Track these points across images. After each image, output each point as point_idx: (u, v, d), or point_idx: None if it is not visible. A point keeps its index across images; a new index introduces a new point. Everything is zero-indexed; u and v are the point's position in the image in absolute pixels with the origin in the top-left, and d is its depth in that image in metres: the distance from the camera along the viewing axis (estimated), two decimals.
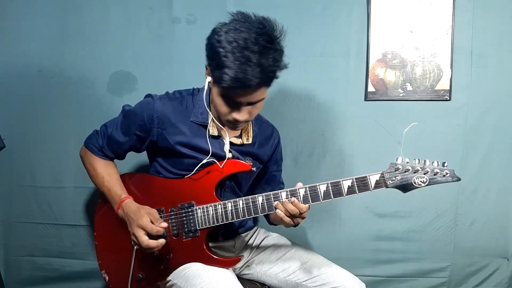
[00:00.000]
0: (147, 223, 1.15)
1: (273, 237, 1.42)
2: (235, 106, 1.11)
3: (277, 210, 1.13)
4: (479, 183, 1.72)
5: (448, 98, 1.66)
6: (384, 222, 1.75)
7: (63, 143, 1.70)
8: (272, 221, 1.41)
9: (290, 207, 1.11)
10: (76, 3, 1.66)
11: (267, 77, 1.06)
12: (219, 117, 1.19)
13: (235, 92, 1.06)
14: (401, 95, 1.68)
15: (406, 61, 1.66)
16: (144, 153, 1.33)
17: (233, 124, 1.17)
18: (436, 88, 1.66)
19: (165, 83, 1.65)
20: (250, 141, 1.29)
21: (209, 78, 1.13)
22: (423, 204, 1.73)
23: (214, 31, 1.08)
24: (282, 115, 1.69)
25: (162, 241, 1.16)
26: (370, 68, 1.66)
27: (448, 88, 1.66)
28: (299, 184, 1.16)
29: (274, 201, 1.16)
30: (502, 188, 1.73)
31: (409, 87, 1.67)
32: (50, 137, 1.72)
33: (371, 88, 1.67)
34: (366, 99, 1.68)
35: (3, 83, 1.70)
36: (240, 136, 1.28)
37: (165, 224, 1.17)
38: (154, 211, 1.19)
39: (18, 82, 1.70)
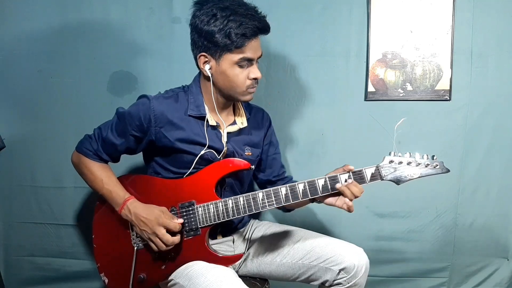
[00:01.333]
0: (169, 221, 1.16)
1: (263, 225, 1.43)
2: (249, 65, 1.19)
3: (343, 193, 1.14)
4: (479, 183, 1.72)
5: (448, 98, 1.66)
6: (384, 222, 1.75)
7: (63, 143, 1.70)
8: (290, 208, 1.42)
9: (355, 189, 1.13)
10: (76, 3, 1.65)
11: (265, 21, 1.18)
12: (226, 99, 1.25)
13: (249, 46, 1.15)
14: (401, 95, 1.68)
15: (406, 61, 1.66)
16: (139, 155, 1.33)
17: (252, 88, 1.22)
18: (436, 88, 1.66)
19: (165, 83, 1.64)
20: (245, 124, 1.31)
21: (208, 66, 1.19)
22: (423, 204, 1.73)
23: (200, 17, 1.15)
24: (282, 115, 1.69)
25: (179, 235, 1.18)
26: (370, 68, 1.66)
27: (448, 88, 1.66)
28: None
29: (275, 197, 1.17)
30: (502, 188, 1.73)
31: (409, 87, 1.67)
32: (50, 137, 1.72)
33: (371, 88, 1.67)
34: (366, 99, 1.68)
35: (3, 83, 1.70)
36: (234, 122, 1.30)
37: (181, 220, 1.18)
38: (165, 209, 1.20)
39: (18, 82, 1.70)
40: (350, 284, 1.23)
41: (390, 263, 1.78)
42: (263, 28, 1.16)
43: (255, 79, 1.20)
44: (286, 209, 1.44)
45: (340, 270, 1.23)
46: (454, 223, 1.75)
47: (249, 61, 1.18)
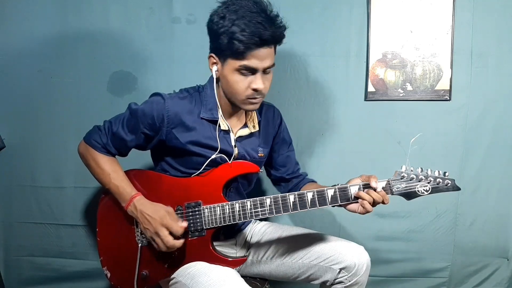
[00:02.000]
0: (172, 223, 1.14)
1: (263, 226, 1.43)
2: (251, 75, 1.13)
3: (362, 197, 1.12)
4: (479, 183, 1.72)
5: (448, 98, 1.66)
6: (384, 222, 1.75)
7: (63, 143, 1.70)
8: None
9: (376, 195, 1.12)
10: (76, 3, 1.65)
11: (278, 31, 1.10)
12: (232, 104, 1.21)
13: (251, 54, 1.08)
14: (401, 95, 1.68)
15: (406, 61, 1.66)
16: (147, 151, 1.33)
17: (253, 99, 1.16)
18: (436, 88, 1.66)
19: (165, 83, 1.65)
20: (257, 128, 1.30)
21: (215, 67, 1.16)
22: (423, 204, 1.73)
23: (212, 17, 1.12)
24: (282, 115, 1.69)
25: (182, 240, 1.16)
26: (370, 68, 1.66)
27: (448, 88, 1.66)
28: (355, 180, 1.16)
29: (282, 204, 1.15)
30: (502, 188, 1.73)
31: (409, 87, 1.67)
32: (50, 137, 1.72)
33: (371, 88, 1.67)
34: (366, 99, 1.68)
35: (3, 83, 1.70)
36: (245, 125, 1.28)
37: (185, 224, 1.16)
38: (171, 210, 1.18)
39: (18, 82, 1.69)
40: (351, 282, 1.23)
41: (390, 263, 1.78)
42: (268, 39, 1.08)
43: (256, 90, 1.14)
44: None
45: (340, 269, 1.22)
46: (454, 223, 1.75)
47: (252, 70, 1.12)
